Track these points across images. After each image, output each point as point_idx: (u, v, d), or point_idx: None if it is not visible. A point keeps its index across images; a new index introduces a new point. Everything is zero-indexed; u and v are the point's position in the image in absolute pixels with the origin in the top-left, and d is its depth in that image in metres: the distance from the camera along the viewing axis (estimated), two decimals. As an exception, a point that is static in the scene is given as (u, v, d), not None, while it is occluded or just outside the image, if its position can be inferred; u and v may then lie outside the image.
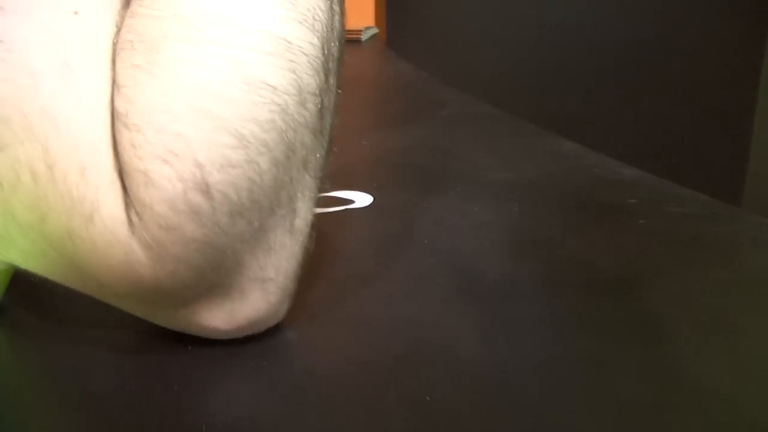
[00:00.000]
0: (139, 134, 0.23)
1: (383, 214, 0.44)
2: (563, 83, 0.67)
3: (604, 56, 0.66)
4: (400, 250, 0.39)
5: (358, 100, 0.80)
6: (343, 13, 0.29)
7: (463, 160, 0.55)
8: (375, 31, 1.53)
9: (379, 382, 0.27)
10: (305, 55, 0.25)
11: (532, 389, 0.27)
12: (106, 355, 0.29)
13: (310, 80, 0.26)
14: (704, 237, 0.41)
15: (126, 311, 0.28)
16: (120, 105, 0.24)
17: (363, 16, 1.56)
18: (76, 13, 0.25)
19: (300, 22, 0.25)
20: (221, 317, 0.27)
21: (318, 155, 0.28)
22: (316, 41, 0.26)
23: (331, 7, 0.27)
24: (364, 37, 1.43)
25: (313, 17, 0.26)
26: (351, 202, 0.45)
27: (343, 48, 0.29)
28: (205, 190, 0.24)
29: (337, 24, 0.28)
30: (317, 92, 0.26)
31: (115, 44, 0.25)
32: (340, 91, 0.29)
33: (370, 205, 0.45)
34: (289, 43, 0.25)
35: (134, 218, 0.24)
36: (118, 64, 0.24)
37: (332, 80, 0.28)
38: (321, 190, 0.30)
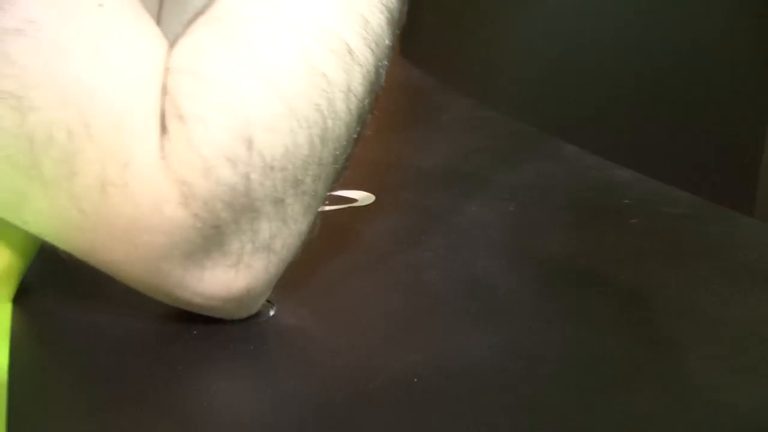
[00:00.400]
0: (207, 86, 0.27)
1: (385, 212, 0.45)
2: (568, 89, 0.68)
3: (610, 62, 0.67)
4: (400, 247, 0.40)
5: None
6: (394, 50, 0.32)
7: (463, 161, 0.56)
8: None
9: (370, 364, 0.29)
10: (360, 66, 0.29)
11: (521, 378, 0.28)
12: (111, 336, 0.31)
13: (358, 86, 0.29)
14: (698, 237, 0.42)
15: (131, 286, 0.29)
16: (193, 62, 0.27)
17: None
18: (100, 5, 0.27)
19: (364, 38, 0.30)
20: (223, 282, 0.29)
21: (346, 151, 0.31)
22: (371, 59, 0.30)
23: (390, 44, 0.32)
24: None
25: (376, 42, 0.30)
26: (354, 200, 0.47)
27: (383, 82, 0.32)
28: (248, 144, 0.27)
29: (389, 55, 0.32)
30: (361, 98, 0.30)
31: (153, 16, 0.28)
32: (372, 114, 0.32)
33: (372, 203, 0.47)
34: (351, 50, 0.29)
35: (171, 159, 0.26)
36: (205, 32, 0.28)
37: (371, 99, 0.31)
38: (334, 186, 0.32)
